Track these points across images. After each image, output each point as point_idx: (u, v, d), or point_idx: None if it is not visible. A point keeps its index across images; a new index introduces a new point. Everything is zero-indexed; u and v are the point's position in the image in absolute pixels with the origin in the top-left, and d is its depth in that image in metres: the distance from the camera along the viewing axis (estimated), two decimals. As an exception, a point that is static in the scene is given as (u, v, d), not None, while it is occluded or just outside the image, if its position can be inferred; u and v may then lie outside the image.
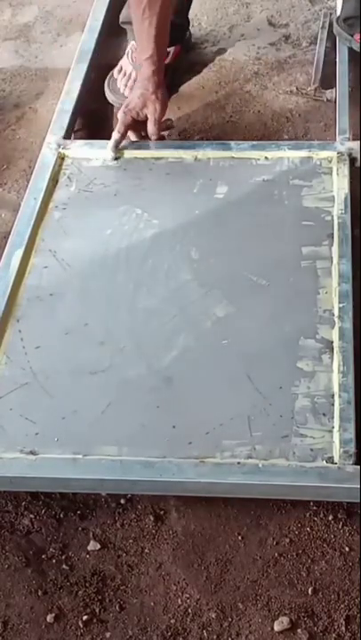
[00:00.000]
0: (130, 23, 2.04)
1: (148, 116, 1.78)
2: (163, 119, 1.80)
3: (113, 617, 1.25)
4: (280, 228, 1.66)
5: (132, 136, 1.81)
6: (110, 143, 1.78)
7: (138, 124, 1.80)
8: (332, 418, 1.37)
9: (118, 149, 1.79)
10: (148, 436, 1.37)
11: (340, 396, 1.39)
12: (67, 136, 1.87)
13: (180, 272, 1.60)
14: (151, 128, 1.79)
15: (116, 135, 1.78)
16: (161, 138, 1.81)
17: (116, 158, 1.79)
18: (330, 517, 1.33)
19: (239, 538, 1.32)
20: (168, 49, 2.02)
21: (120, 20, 2.08)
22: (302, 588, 1.26)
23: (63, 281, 1.60)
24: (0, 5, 2.38)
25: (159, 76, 1.78)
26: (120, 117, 1.79)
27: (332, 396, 1.40)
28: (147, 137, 1.81)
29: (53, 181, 1.77)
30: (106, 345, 1.50)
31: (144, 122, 1.80)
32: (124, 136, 1.79)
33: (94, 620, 1.25)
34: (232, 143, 1.83)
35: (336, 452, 1.33)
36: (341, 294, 1.52)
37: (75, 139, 1.90)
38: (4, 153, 1.96)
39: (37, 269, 1.62)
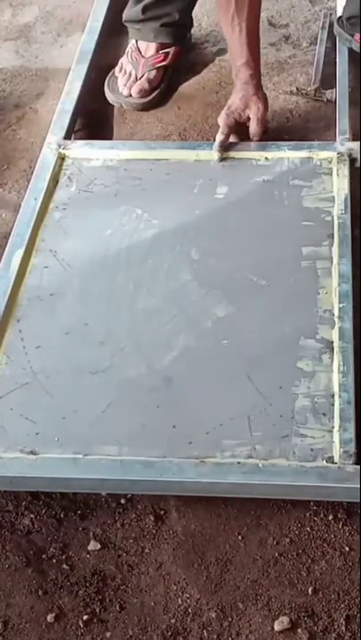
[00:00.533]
0: (133, 22, 2.05)
1: (251, 116, 1.79)
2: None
3: (113, 617, 1.25)
4: (280, 229, 1.66)
5: (232, 138, 1.81)
6: (215, 144, 1.78)
7: (239, 126, 1.81)
8: (333, 418, 1.37)
9: (224, 150, 1.79)
10: (149, 436, 1.37)
11: (340, 396, 1.39)
12: (67, 136, 1.87)
13: (181, 272, 1.60)
14: (254, 128, 1.80)
15: (220, 136, 1.79)
16: (262, 139, 1.82)
17: (222, 159, 1.78)
18: (330, 517, 1.33)
19: (239, 538, 1.32)
20: (168, 49, 2.04)
21: (123, 18, 2.08)
22: (302, 588, 1.27)
23: (63, 281, 1.60)
24: (0, 6, 2.38)
25: (257, 78, 1.81)
26: (222, 119, 1.79)
27: (333, 395, 1.40)
28: (247, 138, 1.81)
29: (54, 182, 1.77)
30: (106, 345, 1.50)
31: (244, 124, 1.81)
32: (228, 137, 1.80)
33: (95, 620, 1.25)
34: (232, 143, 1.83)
35: (336, 452, 1.33)
36: (341, 294, 1.52)
37: (75, 139, 1.91)
38: (4, 153, 1.96)
39: (38, 269, 1.63)
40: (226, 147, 1.80)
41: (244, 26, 1.74)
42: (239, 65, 1.79)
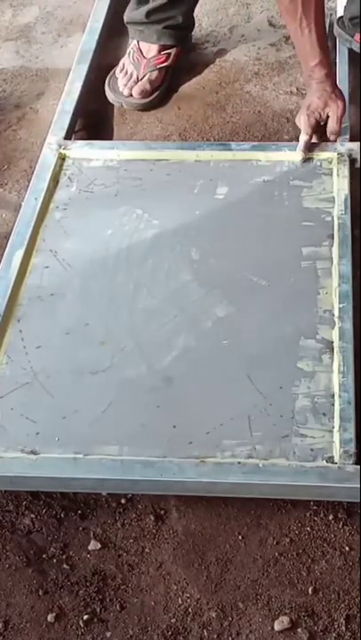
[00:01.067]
0: (134, 23, 2.05)
1: (330, 114, 1.79)
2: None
3: (113, 616, 1.25)
4: (280, 229, 1.66)
5: (313, 138, 1.81)
6: (300, 145, 1.77)
7: (319, 127, 1.80)
8: (333, 418, 1.37)
9: (308, 151, 1.78)
10: (149, 436, 1.37)
11: (340, 396, 1.39)
12: (67, 136, 1.87)
13: (181, 272, 1.60)
14: (334, 126, 1.79)
15: (304, 137, 1.78)
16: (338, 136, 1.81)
17: (306, 159, 1.77)
18: (330, 517, 1.33)
19: (239, 537, 1.32)
20: (170, 50, 2.04)
21: (125, 20, 2.08)
22: (303, 588, 1.27)
23: (64, 281, 1.61)
24: (1, 6, 2.38)
25: (332, 77, 1.81)
26: (304, 120, 1.79)
27: (333, 395, 1.40)
28: (326, 139, 1.81)
29: (54, 182, 1.78)
30: (106, 345, 1.50)
31: (324, 124, 1.80)
32: (311, 137, 1.79)
33: (95, 620, 1.25)
34: (232, 144, 1.83)
35: (336, 452, 1.33)
36: (341, 295, 1.52)
37: (75, 139, 1.91)
38: (4, 153, 1.96)
39: (38, 269, 1.63)
40: (309, 147, 1.78)
41: (313, 27, 1.73)
42: (313, 65, 1.78)
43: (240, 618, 1.24)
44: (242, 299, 1.55)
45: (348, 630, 1.22)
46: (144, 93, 2.01)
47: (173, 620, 1.24)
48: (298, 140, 1.85)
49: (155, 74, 2.02)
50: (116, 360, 1.48)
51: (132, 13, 2.05)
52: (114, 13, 2.17)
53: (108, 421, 1.40)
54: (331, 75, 1.80)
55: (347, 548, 1.30)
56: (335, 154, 1.77)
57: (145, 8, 2.02)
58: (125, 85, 2.02)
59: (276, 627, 1.23)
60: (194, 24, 2.13)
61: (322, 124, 1.81)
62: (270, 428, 1.37)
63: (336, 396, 1.39)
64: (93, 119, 2.02)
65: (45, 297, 1.58)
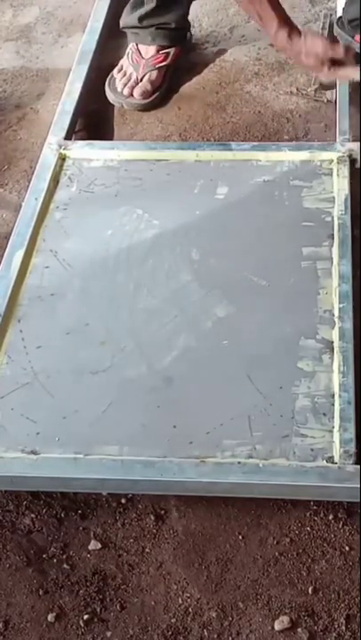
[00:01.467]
0: (130, 28, 2.06)
1: (315, 46, 1.76)
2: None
3: (114, 616, 1.25)
4: (280, 229, 1.66)
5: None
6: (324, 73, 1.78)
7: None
8: (333, 418, 1.38)
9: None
10: (149, 436, 1.38)
11: (340, 396, 1.39)
12: (68, 137, 1.87)
13: (181, 272, 1.60)
14: (321, 43, 1.76)
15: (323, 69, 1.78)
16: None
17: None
18: (330, 517, 1.33)
19: (240, 537, 1.32)
20: (168, 50, 2.04)
21: (120, 25, 2.09)
22: (303, 588, 1.27)
23: (64, 281, 1.61)
24: (1, 6, 2.38)
25: (297, 31, 1.78)
26: (308, 60, 1.78)
27: (333, 395, 1.40)
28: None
29: (54, 182, 1.78)
30: (107, 345, 1.50)
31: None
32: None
33: (95, 620, 1.25)
34: (233, 144, 1.83)
35: (336, 452, 1.33)
36: (342, 295, 1.52)
37: (76, 139, 1.91)
38: (5, 153, 1.96)
39: (38, 269, 1.63)
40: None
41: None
42: (273, 33, 1.77)
43: (240, 618, 1.24)
44: (242, 299, 1.55)
45: (348, 630, 1.22)
46: (145, 94, 2.01)
47: (173, 620, 1.25)
48: (298, 140, 1.86)
49: (155, 74, 2.02)
50: (116, 360, 1.48)
51: (127, 18, 2.06)
52: (114, 13, 2.17)
53: (108, 421, 1.40)
54: (292, 30, 1.77)
55: (347, 548, 1.30)
56: (335, 154, 1.77)
57: (137, 13, 2.02)
58: (125, 86, 2.02)
59: (277, 626, 1.23)
60: (190, 26, 2.13)
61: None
62: (270, 427, 1.37)
63: (336, 396, 1.40)
64: (94, 119, 2.02)
65: (46, 297, 1.58)
